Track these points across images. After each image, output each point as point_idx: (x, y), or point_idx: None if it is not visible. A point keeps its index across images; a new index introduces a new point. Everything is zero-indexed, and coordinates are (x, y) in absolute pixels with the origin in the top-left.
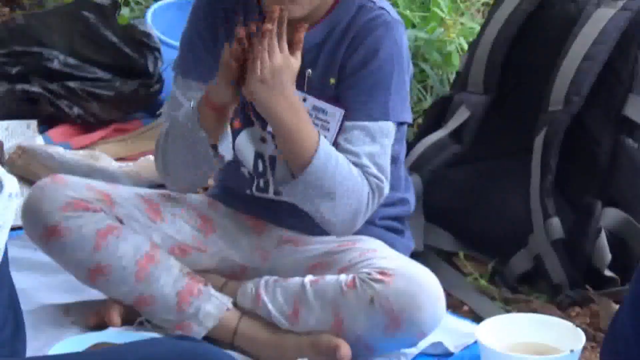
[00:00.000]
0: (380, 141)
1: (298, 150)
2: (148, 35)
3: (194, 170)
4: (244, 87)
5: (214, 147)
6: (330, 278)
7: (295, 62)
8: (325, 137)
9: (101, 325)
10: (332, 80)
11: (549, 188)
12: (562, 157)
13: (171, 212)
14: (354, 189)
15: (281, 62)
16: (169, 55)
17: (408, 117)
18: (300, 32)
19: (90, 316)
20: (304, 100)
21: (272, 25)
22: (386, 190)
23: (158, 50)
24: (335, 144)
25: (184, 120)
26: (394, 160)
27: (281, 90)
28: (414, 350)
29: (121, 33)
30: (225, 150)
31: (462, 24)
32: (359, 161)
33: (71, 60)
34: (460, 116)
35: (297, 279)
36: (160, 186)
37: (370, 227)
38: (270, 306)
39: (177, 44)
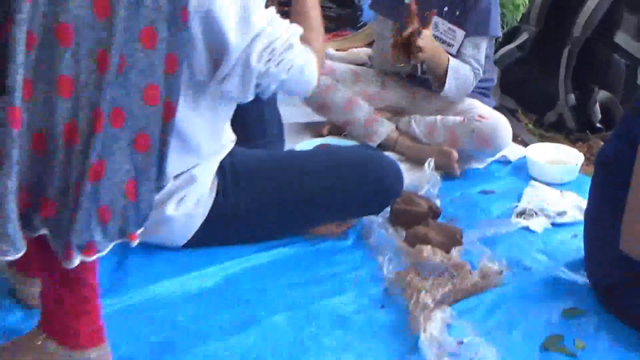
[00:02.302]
0: (481, 47)
1: (439, 67)
2: None
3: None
4: (414, 57)
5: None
6: (450, 117)
7: (429, 31)
8: (453, 46)
9: (321, 135)
10: (457, 12)
11: (570, 76)
12: (577, 60)
13: (366, 77)
14: (467, 79)
15: (428, 37)
16: None
17: (499, 33)
18: (429, 18)
19: (316, 129)
20: (444, 24)
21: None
22: (480, 75)
23: None
24: (457, 51)
25: None
26: (487, 57)
27: (431, 47)
28: (492, 159)
29: None
30: None
31: None
32: (468, 60)
33: None
34: (523, 37)
35: (431, 117)
36: (360, 65)
37: (472, 92)
38: (417, 130)
39: None
